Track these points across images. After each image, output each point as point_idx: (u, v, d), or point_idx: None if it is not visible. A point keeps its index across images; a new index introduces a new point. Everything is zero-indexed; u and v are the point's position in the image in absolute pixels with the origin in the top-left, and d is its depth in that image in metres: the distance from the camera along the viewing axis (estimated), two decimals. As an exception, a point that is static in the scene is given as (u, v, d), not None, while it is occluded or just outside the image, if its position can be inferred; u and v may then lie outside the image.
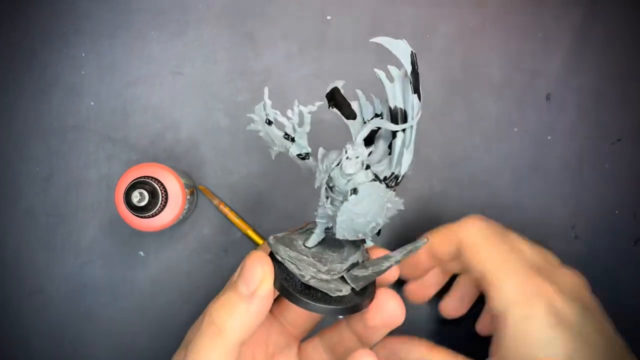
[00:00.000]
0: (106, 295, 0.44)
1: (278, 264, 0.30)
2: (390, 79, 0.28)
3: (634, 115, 0.46)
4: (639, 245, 0.46)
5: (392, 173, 0.30)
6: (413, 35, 0.45)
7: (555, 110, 0.46)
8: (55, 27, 0.44)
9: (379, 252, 0.32)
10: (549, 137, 0.46)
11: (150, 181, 0.37)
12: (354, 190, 0.29)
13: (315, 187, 0.30)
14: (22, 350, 0.44)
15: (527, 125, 0.45)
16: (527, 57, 0.45)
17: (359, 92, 0.31)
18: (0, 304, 0.44)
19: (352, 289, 0.30)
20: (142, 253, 0.44)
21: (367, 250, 0.32)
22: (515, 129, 0.45)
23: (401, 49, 0.27)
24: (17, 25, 0.44)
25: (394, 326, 0.30)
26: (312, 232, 0.32)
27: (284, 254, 0.30)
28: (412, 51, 0.27)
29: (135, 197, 0.36)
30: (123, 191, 0.37)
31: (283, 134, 0.29)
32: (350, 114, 0.31)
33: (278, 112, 0.28)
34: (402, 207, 0.30)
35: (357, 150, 0.28)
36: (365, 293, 0.30)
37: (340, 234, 0.29)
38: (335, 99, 0.30)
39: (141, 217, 0.37)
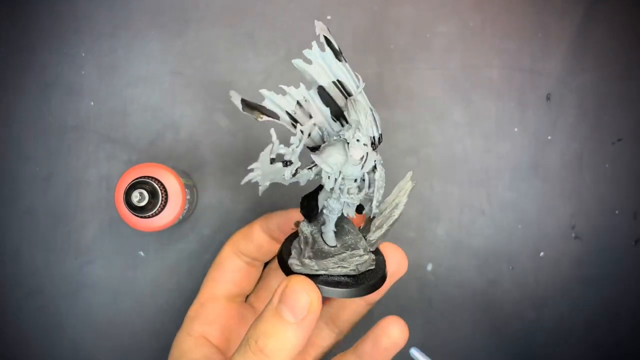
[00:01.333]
0: (106, 295, 0.44)
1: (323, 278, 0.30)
2: (309, 62, 0.29)
3: (634, 115, 0.46)
4: (639, 246, 0.46)
5: (374, 137, 0.30)
6: (413, 35, 0.45)
7: (555, 110, 0.46)
8: (54, 26, 0.44)
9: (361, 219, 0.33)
10: (549, 137, 0.46)
11: (150, 181, 0.37)
12: (374, 168, 0.29)
13: (329, 189, 0.30)
14: (21, 351, 0.44)
15: (527, 125, 0.45)
16: (527, 57, 0.45)
17: (264, 91, 0.30)
18: (0, 304, 0.44)
19: (372, 252, 0.31)
20: (142, 253, 0.44)
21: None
22: (515, 129, 0.45)
23: (319, 27, 0.29)
24: (16, 25, 0.44)
25: (400, 275, 0.33)
26: (320, 233, 0.32)
27: (329, 264, 0.30)
28: (326, 26, 0.29)
29: (135, 197, 0.36)
30: (123, 191, 0.37)
31: (282, 163, 0.29)
32: (273, 115, 0.30)
33: (282, 145, 0.28)
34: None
35: (365, 135, 0.29)
36: (378, 254, 0.32)
37: (374, 211, 0.30)
38: (254, 107, 0.30)
39: (141, 217, 0.37)
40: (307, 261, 0.30)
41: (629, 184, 0.46)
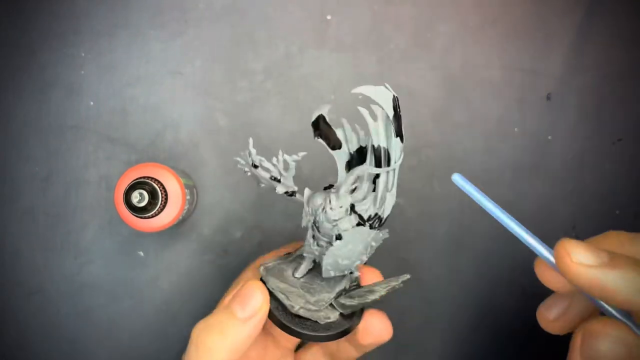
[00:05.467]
0: (106, 295, 0.44)
1: (270, 293, 0.31)
2: (374, 117, 0.29)
3: (634, 115, 0.46)
4: (639, 245, 0.46)
5: (376, 214, 0.31)
6: (413, 35, 0.45)
7: (555, 110, 0.46)
8: (54, 26, 0.44)
9: (369, 272, 0.33)
10: (549, 137, 0.46)
11: (150, 181, 0.37)
12: (339, 236, 0.30)
13: (302, 226, 0.31)
14: (21, 350, 0.44)
15: (527, 125, 0.45)
16: (527, 57, 0.45)
17: (344, 120, 0.31)
18: (0, 304, 0.44)
19: (341, 313, 0.31)
20: (142, 253, 0.44)
21: (356, 273, 0.33)
22: (515, 129, 0.45)
23: (382, 95, 0.28)
24: (15, 25, 0.44)
25: (383, 342, 0.32)
26: (301, 263, 0.33)
27: (273, 284, 0.31)
28: (394, 95, 0.28)
29: (135, 197, 0.36)
30: (123, 191, 0.37)
31: (269, 176, 0.30)
32: (336, 143, 0.31)
33: (263, 159, 0.29)
34: (387, 236, 0.31)
35: (340, 201, 0.30)
36: (353, 316, 0.32)
37: (327, 274, 0.31)
38: (320, 127, 0.31)
39: (141, 217, 0.37)
40: (262, 268, 0.32)
41: (629, 184, 0.46)
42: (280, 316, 0.30)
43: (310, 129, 0.31)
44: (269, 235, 0.45)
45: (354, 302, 0.31)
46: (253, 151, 0.29)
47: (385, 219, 0.31)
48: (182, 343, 0.44)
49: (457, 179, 0.27)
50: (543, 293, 0.46)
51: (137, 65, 0.44)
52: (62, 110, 0.44)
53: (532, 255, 0.46)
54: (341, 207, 0.30)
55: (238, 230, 0.45)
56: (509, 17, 0.45)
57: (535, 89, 0.45)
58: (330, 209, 0.30)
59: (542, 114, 0.45)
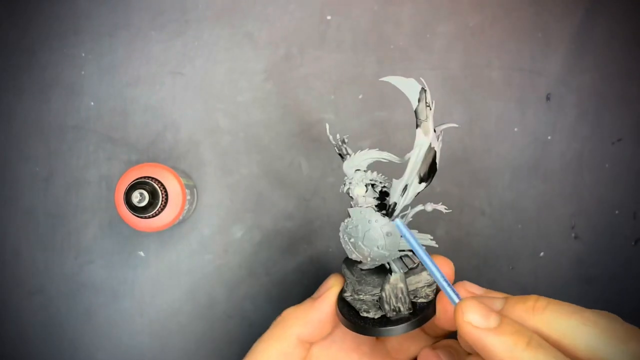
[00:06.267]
0: (106, 295, 0.44)
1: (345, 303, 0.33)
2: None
3: (634, 115, 0.46)
4: (639, 246, 0.46)
5: (391, 203, 0.31)
6: (413, 35, 0.45)
7: (555, 110, 0.46)
8: (54, 26, 0.44)
9: (442, 262, 0.34)
10: (549, 137, 0.46)
11: (151, 181, 0.37)
12: (348, 212, 0.31)
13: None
14: (22, 350, 0.44)
15: (527, 125, 0.45)
16: (527, 57, 0.45)
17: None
18: (0, 304, 0.44)
19: (383, 315, 0.32)
20: (142, 253, 0.44)
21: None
22: (515, 129, 0.45)
23: (409, 87, 0.29)
24: (16, 25, 0.44)
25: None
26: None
27: (343, 270, 0.34)
28: (422, 88, 0.29)
29: (136, 197, 0.36)
30: (123, 191, 0.37)
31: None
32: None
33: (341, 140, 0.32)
34: (408, 248, 0.31)
35: (349, 177, 0.31)
36: (424, 309, 0.32)
37: (350, 254, 0.32)
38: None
39: (141, 217, 0.37)
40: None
41: (629, 184, 0.46)
42: (350, 313, 0.32)
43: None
44: (269, 235, 0.45)
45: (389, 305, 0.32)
46: (330, 137, 0.32)
47: (393, 208, 0.31)
48: (183, 343, 0.44)
49: (399, 224, 0.30)
50: (542, 293, 0.46)
51: (138, 66, 0.44)
52: (62, 110, 0.44)
53: (530, 256, 0.46)
54: (350, 182, 0.31)
55: (238, 230, 0.45)
56: (509, 17, 0.45)
57: (535, 89, 0.45)
58: (344, 184, 0.31)
59: (542, 114, 0.45)
